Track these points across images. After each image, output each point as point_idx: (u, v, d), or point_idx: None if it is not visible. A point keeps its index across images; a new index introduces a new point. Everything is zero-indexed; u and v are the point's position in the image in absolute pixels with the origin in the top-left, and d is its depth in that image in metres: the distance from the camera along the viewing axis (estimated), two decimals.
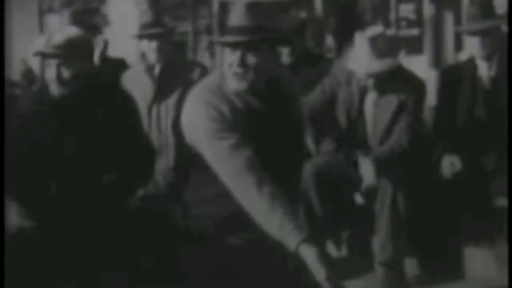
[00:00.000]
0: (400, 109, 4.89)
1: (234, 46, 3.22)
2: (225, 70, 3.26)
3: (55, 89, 3.99)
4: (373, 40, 4.82)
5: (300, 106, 3.54)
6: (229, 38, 3.23)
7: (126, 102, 4.16)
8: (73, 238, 3.83)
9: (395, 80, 4.88)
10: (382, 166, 4.77)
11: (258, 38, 3.21)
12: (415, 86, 4.95)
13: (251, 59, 3.21)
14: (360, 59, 4.83)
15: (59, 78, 3.95)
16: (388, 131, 4.91)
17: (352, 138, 4.98)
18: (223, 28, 3.32)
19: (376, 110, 4.94)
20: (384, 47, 4.83)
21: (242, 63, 3.21)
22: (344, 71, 4.99)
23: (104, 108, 4.01)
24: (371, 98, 4.95)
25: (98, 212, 3.87)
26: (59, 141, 3.95)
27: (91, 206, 3.86)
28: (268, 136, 3.28)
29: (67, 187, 3.92)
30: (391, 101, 4.90)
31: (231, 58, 3.23)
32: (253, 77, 3.23)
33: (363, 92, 4.95)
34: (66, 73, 3.94)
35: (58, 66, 3.93)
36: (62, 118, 3.97)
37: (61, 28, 4.16)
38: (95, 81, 4.06)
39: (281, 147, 3.31)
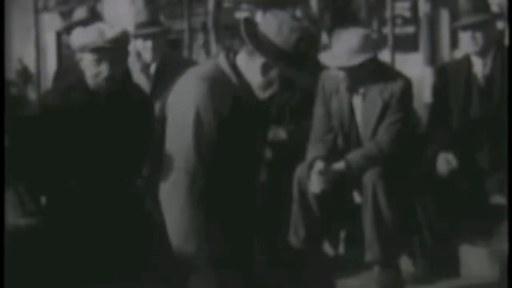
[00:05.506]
0: (385, 109, 4.82)
1: None
2: None
3: (97, 84, 3.97)
4: (350, 36, 4.75)
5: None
6: None
7: (145, 101, 4.17)
8: (78, 236, 3.85)
9: (378, 79, 4.83)
10: (353, 171, 4.77)
11: None
12: (400, 84, 4.84)
13: None
14: (334, 53, 4.77)
15: (110, 75, 3.93)
16: (376, 132, 4.85)
17: (347, 143, 4.96)
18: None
19: (363, 112, 4.89)
20: (360, 43, 4.71)
21: None
22: (333, 80, 4.92)
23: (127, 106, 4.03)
24: (358, 101, 4.91)
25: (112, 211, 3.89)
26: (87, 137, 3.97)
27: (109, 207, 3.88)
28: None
29: (87, 184, 3.94)
30: (376, 101, 4.83)
31: None
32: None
33: (350, 96, 4.90)
34: (113, 69, 3.94)
35: (109, 62, 3.93)
36: (99, 113, 3.98)
37: (104, 24, 4.18)
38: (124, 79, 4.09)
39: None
